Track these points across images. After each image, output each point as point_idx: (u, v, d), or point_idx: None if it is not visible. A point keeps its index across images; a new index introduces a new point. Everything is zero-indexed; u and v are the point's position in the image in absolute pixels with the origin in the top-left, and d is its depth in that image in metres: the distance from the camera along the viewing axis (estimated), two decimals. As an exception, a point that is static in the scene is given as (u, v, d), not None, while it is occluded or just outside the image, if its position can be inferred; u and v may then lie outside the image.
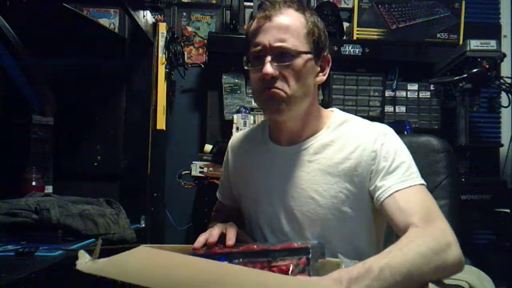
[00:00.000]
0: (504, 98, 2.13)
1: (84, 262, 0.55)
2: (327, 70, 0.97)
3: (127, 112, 1.83)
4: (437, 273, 0.72)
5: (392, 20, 2.15)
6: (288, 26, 0.88)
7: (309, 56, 0.90)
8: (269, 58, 0.87)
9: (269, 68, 0.86)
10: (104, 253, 0.57)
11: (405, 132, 1.99)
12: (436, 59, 2.18)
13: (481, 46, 1.91)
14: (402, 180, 0.86)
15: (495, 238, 2.09)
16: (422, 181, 0.88)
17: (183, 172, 2.06)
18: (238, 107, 2.12)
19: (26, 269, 0.80)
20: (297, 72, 0.88)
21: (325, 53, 0.95)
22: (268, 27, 0.88)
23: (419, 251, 0.72)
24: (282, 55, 0.87)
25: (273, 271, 0.73)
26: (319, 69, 0.94)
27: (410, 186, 0.85)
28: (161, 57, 1.95)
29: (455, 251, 0.75)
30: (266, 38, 0.88)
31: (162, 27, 1.96)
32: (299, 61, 0.88)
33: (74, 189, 1.46)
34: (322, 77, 0.95)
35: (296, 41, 0.88)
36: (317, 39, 0.91)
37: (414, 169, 0.89)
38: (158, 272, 0.52)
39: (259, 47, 0.89)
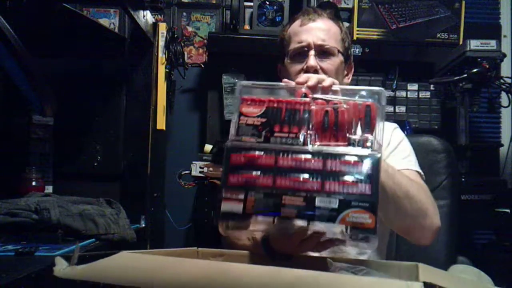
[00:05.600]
0: (504, 98, 2.13)
1: (62, 268, 0.52)
2: (350, 76, 1.13)
3: (127, 112, 1.82)
4: (415, 213, 0.83)
5: (392, 20, 2.15)
6: (329, 29, 1.04)
7: (342, 58, 1.05)
8: (312, 52, 1.00)
9: (312, 60, 0.99)
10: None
11: (405, 132, 1.98)
12: (436, 59, 2.18)
13: (481, 46, 1.91)
14: (400, 163, 0.96)
15: (495, 238, 2.08)
16: (420, 171, 0.97)
17: (183, 172, 2.05)
18: (238, 107, 2.11)
19: (26, 269, 0.79)
20: (335, 68, 1.02)
21: (350, 61, 1.12)
22: (311, 27, 1.03)
23: (422, 187, 0.88)
24: (324, 52, 1.02)
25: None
26: (345, 72, 1.10)
27: (409, 169, 0.95)
28: (161, 57, 1.95)
29: (437, 220, 0.87)
30: (310, 36, 1.02)
31: (162, 27, 1.95)
32: (337, 59, 1.03)
33: (74, 189, 1.46)
34: (346, 80, 1.10)
35: (334, 43, 1.04)
36: (347, 46, 1.08)
37: (414, 159, 1.00)
38: (143, 273, 0.50)
39: (303, 44, 1.02)
